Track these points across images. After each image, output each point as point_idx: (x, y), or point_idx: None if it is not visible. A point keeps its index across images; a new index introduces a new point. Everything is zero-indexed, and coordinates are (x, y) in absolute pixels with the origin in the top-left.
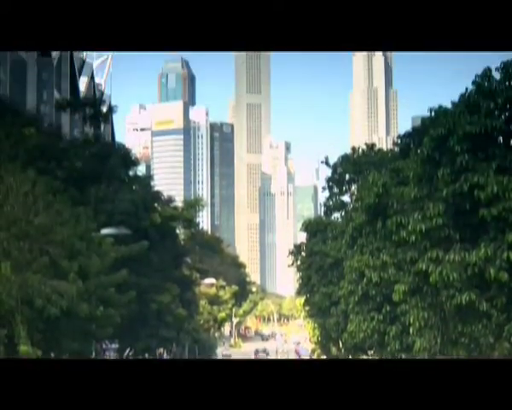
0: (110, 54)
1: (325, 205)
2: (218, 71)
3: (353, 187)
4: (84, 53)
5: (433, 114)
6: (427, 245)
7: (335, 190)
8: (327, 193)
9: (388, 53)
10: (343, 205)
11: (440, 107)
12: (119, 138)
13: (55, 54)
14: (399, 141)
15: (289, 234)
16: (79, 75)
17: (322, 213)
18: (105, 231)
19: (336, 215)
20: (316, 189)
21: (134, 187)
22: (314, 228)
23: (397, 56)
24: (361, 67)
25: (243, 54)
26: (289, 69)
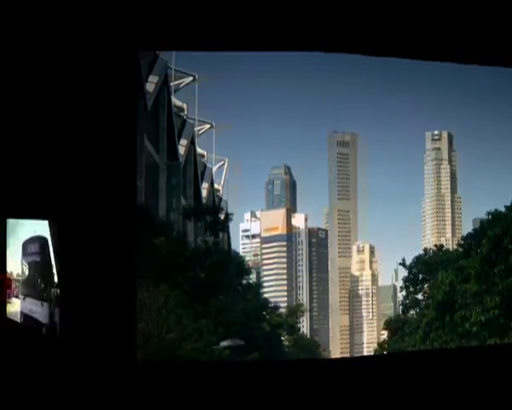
0: (227, 158)
1: (403, 303)
2: (314, 177)
3: (426, 285)
4: (206, 157)
5: (489, 216)
6: (486, 335)
7: (411, 289)
8: (404, 292)
9: (454, 161)
10: (417, 303)
11: (496, 210)
12: (233, 246)
13: (181, 158)
14: (462, 242)
15: (374, 333)
16: (201, 181)
17: (401, 312)
18: (223, 343)
19: (412, 312)
20: (395, 288)
21: (248, 296)
22: (394, 326)
23: (461, 166)
24: (430, 175)
25: (334, 157)
26: (373, 177)
